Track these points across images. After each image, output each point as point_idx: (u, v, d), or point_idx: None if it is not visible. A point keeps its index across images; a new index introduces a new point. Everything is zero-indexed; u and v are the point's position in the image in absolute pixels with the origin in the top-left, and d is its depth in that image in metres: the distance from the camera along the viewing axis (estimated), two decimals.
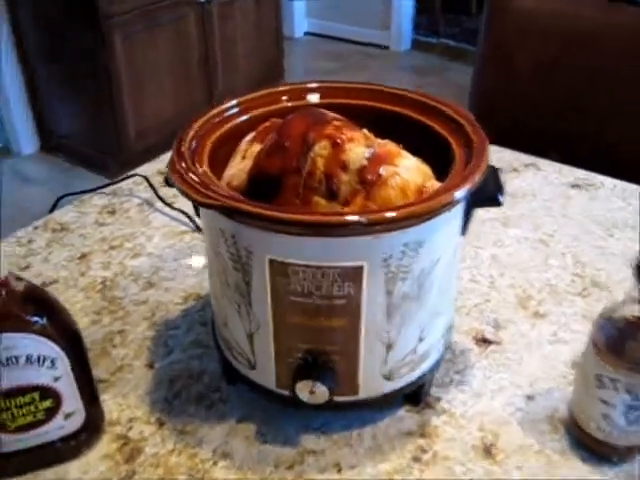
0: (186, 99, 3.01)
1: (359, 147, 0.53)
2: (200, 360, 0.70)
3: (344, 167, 0.52)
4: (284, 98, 0.64)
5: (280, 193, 0.55)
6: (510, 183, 1.02)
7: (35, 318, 0.53)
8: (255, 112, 0.62)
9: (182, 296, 0.79)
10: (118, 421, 0.64)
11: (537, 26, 1.49)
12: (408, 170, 0.54)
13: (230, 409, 0.65)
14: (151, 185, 0.98)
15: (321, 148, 0.53)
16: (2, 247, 0.88)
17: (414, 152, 0.58)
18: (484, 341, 0.73)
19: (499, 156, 1.10)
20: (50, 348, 0.54)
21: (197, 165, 0.54)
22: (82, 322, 0.75)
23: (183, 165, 0.52)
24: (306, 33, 4.50)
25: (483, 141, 0.56)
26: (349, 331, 0.54)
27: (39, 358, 0.53)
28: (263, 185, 0.56)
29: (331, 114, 0.57)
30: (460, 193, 0.50)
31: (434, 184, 0.55)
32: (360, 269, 0.50)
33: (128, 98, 2.74)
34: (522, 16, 1.51)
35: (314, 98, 0.65)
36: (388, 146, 0.55)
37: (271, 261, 0.51)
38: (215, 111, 0.60)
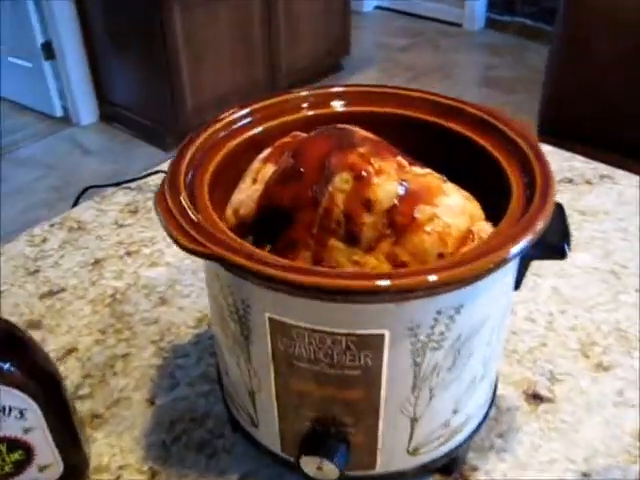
0: (246, 75, 2.93)
1: (389, 182, 0.43)
2: (206, 399, 0.62)
3: (369, 207, 0.42)
4: (305, 106, 0.54)
5: (291, 229, 0.45)
6: (581, 199, 0.90)
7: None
8: (270, 123, 0.53)
9: (196, 317, 0.71)
10: (107, 467, 0.56)
11: (617, 12, 1.35)
12: (450, 212, 0.43)
13: (233, 461, 0.57)
14: None
15: (342, 181, 0.43)
16: (13, 246, 0.82)
17: (458, 176, 0.48)
18: (535, 397, 0.62)
19: (570, 165, 0.98)
20: (18, 398, 0.46)
21: (196, 190, 0.45)
22: (85, 341, 0.68)
23: (173, 193, 0.43)
24: (376, 7, 4.34)
25: (548, 174, 0.45)
26: (365, 403, 0.44)
27: (4, 409, 0.46)
28: (273, 217, 0.46)
29: (361, 133, 0.47)
30: (517, 248, 0.39)
31: (482, 228, 0.45)
32: (380, 338, 0.40)
33: (186, 71, 2.68)
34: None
35: (340, 106, 0.55)
36: (427, 179, 0.44)
37: (271, 320, 0.41)
38: (222, 122, 0.51)
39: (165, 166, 0.95)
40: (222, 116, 0.51)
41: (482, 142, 0.50)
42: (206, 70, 2.77)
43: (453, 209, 0.44)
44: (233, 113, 0.52)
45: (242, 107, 0.53)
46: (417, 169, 0.45)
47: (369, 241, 0.43)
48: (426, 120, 0.52)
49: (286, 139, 0.51)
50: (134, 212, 0.88)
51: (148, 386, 0.64)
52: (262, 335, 0.43)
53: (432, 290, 0.38)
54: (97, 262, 0.79)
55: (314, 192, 0.44)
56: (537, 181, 0.44)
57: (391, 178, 0.43)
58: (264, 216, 0.47)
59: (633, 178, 0.94)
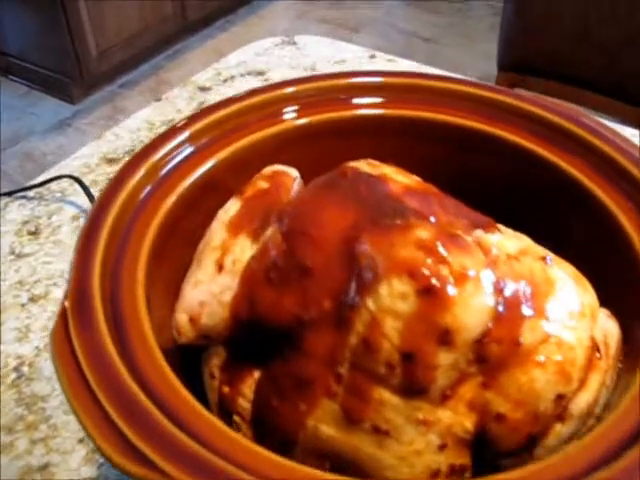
0: (154, 10, 2.62)
1: (479, 295, 0.24)
2: None
3: (447, 340, 0.24)
4: (288, 111, 0.34)
5: (298, 358, 0.27)
6: None
7: None
8: (229, 150, 0.33)
9: None
10: None
11: None
12: (569, 318, 0.26)
13: None
14: (86, 189, 0.68)
15: (394, 295, 0.24)
16: None
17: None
18: None
19: None
20: None
21: (125, 314, 0.26)
22: None
23: (88, 340, 0.24)
24: None
25: None
26: None
27: None
28: (265, 336, 0.28)
29: (397, 181, 0.29)
30: None
31: (607, 331, 0.28)
32: None
33: (86, 11, 2.37)
34: None
35: (344, 108, 0.35)
36: (526, 266, 0.26)
37: None
38: (146, 166, 0.31)
39: (71, 165, 0.73)
40: (143, 153, 0.31)
41: (575, 172, 0.32)
42: (108, 9, 2.46)
43: (572, 312, 0.26)
44: (161, 143, 0.32)
45: (176, 130, 0.33)
46: (504, 242, 0.27)
47: (443, 388, 0.25)
48: (477, 130, 0.34)
49: (261, 182, 0.32)
50: (35, 234, 0.66)
51: None
52: None
53: None
54: None
55: (335, 304, 0.25)
56: None
57: (481, 286, 0.24)
58: (249, 333, 0.28)
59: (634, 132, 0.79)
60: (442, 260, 0.24)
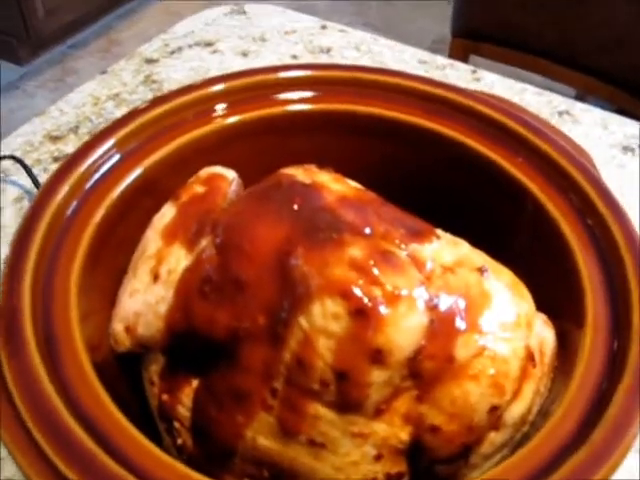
0: None
1: (411, 315, 0.24)
2: None
3: (380, 359, 0.24)
4: (219, 109, 0.34)
5: (235, 370, 0.27)
6: None
7: None
8: (158, 154, 0.32)
9: None
10: None
11: None
12: (504, 331, 0.26)
13: None
14: (28, 170, 0.66)
15: (326, 317, 0.24)
16: None
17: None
18: None
19: (521, 98, 0.81)
20: None
21: (59, 339, 0.25)
22: None
23: (21, 377, 0.23)
24: None
25: None
26: None
27: None
28: (201, 348, 0.27)
29: (334, 190, 0.28)
30: None
31: (542, 339, 0.28)
32: None
33: None
34: None
35: (278, 103, 0.35)
36: (461, 278, 0.26)
37: None
38: (70, 181, 0.30)
39: (13, 143, 0.71)
40: (66, 166, 0.30)
41: (515, 172, 0.32)
42: None
43: (506, 325, 0.26)
44: (85, 153, 0.31)
45: (100, 138, 0.32)
46: (441, 252, 0.27)
47: (377, 403, 0.25)
48: (413, 126, 0.33)
49: (197, 187, 0.31)
50: None
51: None
52: None
53: None
54: None
55: (269, 320, 0.25)
56: (629, 282, 0.27)
57: (414, 306, 0.24)
58: (185, 343, 0.28)
59: (594, 113, 0.79)
60: (374, 281, 0.24)
